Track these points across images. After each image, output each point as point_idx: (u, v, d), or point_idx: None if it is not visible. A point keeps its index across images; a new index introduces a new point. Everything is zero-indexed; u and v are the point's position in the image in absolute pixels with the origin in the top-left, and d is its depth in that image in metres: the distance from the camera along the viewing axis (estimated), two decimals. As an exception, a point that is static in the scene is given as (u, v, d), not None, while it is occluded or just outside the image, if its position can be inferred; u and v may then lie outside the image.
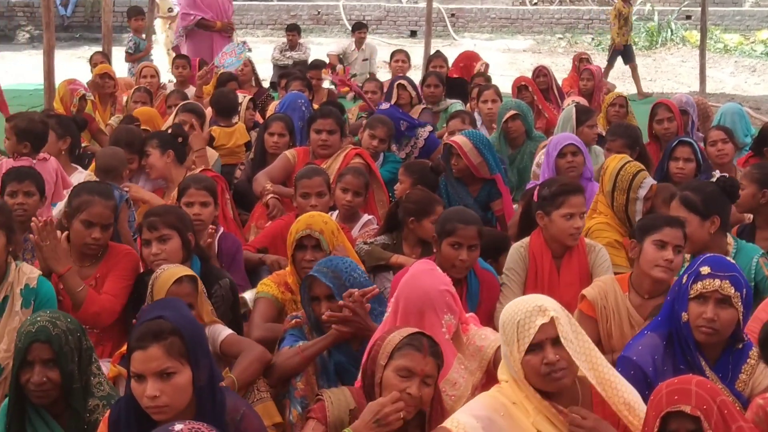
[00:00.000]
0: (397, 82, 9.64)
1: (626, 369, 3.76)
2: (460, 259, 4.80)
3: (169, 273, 4.37)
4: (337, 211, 6.39)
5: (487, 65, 11.84)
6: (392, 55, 12.64)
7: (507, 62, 20.12)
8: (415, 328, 3.63)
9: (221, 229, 5.78)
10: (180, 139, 7.04)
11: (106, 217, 5.01)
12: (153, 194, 6.71)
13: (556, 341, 3.28)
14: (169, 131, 7.13)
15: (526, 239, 5.25)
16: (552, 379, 3.29)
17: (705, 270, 3.77)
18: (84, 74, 11.38)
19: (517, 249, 5.21)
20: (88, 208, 4.98)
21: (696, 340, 3.81)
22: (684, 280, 3.83)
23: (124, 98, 9.87)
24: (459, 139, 6.77)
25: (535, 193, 5.28)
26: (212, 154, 7.76)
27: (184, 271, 4.42)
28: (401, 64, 12.13)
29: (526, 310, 3.31)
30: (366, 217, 6.42)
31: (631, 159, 6.10)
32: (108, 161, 6.37)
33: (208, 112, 8.44)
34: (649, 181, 5.88)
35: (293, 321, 4.42)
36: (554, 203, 5.07)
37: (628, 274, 4.66)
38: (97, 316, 4.85)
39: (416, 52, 15.36)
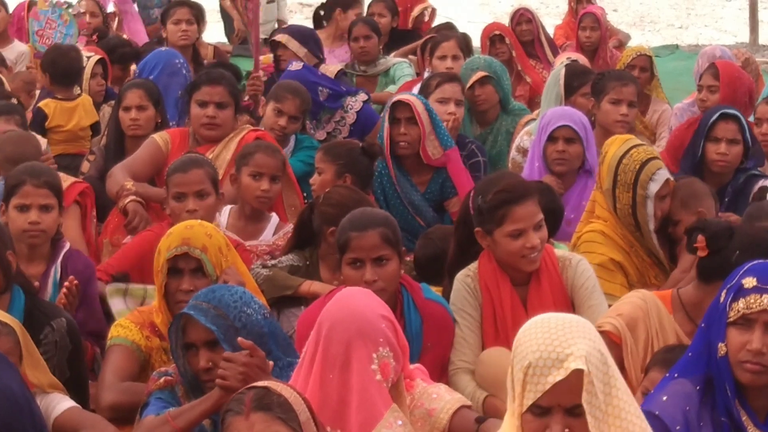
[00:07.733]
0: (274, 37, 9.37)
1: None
2: (364, 281, 4.82)
3: None
4: (226, 209, 6.40)
5: (433, 10, 11.81)
6: None
7: (476, 3, 20.21)
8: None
9: (67, 245, 5.78)
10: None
11: None
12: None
13: (572, 411, 3.12)
14: None
15: (473, 265, 5.25)
16: None
17: (750, 282, 3.77)
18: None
19: (462, 281, 5.25)
20: None
21: (737, 382, 3.81)
22: (722, 298, 3.84)
23: None
24: (411, 98, 6.86)
25: (470, 200, 5.27)
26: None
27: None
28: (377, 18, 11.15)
29: (543, 353, 3.11)
30: (277, 219, 6.45)
31: (640, 142, 6.17)
32: (16, 150, 6.40)
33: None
34: (664, 173, 5.93)
35: (162, 380, 4.41)
36: (493, 218, 5.06)
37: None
38: None
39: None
